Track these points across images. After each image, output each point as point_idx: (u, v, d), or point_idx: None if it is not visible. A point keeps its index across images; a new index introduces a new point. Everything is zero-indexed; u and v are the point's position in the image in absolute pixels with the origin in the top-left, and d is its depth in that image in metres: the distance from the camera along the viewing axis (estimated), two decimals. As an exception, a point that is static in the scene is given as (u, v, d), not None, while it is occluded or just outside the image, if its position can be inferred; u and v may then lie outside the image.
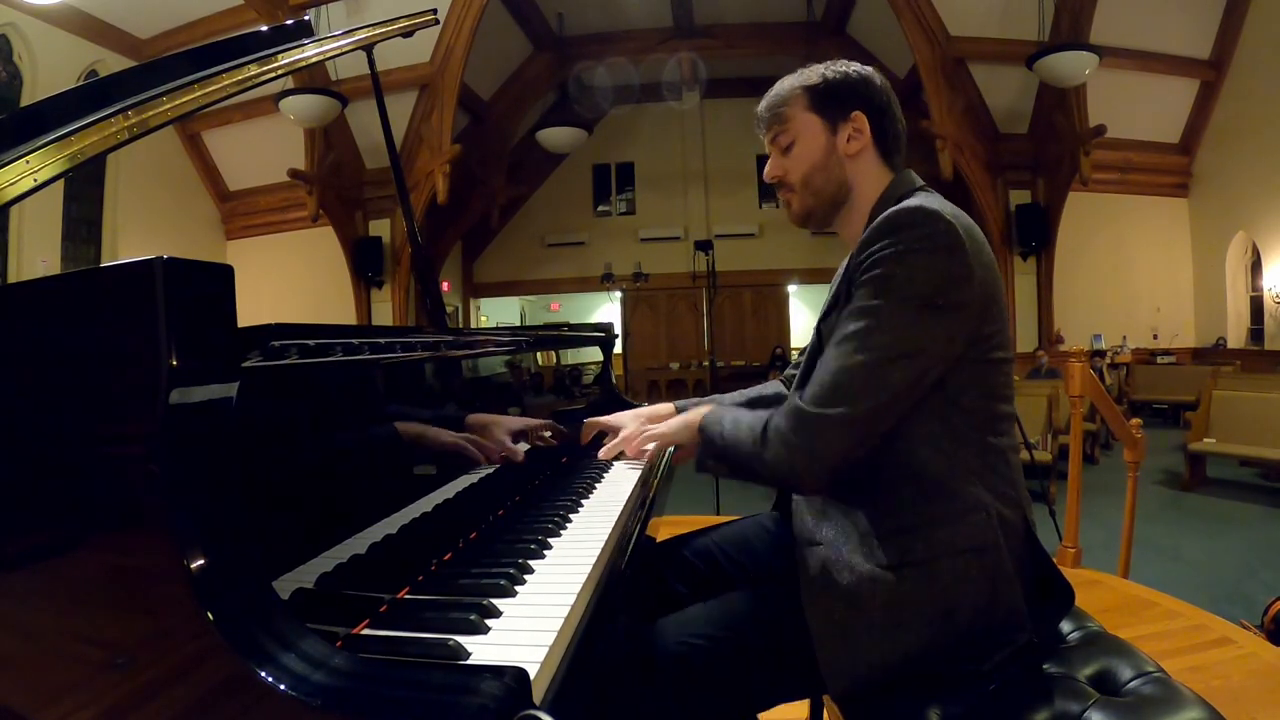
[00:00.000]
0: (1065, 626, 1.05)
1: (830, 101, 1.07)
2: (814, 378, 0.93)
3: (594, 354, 2.04)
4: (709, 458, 1.09)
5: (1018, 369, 5.26)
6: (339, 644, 0.61)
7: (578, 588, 0.80)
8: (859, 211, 1.07)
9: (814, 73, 1.09)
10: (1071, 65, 7.08)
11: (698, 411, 1.16)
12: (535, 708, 0.54)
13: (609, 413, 1.40)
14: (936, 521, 0.91)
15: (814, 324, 1.12)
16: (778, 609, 0.96)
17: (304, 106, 7.42)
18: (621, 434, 1.29)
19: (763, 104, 1.12)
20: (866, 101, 1.06)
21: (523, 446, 1.30)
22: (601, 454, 1.29)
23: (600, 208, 13.72)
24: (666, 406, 1.41)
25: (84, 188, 8.05)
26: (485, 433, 1.15)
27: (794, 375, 1.27)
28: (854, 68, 1.09)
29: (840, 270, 1.10)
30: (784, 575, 1.03)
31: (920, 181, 1.06)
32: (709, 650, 0.93)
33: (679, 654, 0.94)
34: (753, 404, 1.34)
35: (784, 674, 0.97)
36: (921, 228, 0.91)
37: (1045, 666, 0.93)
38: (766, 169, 1.13)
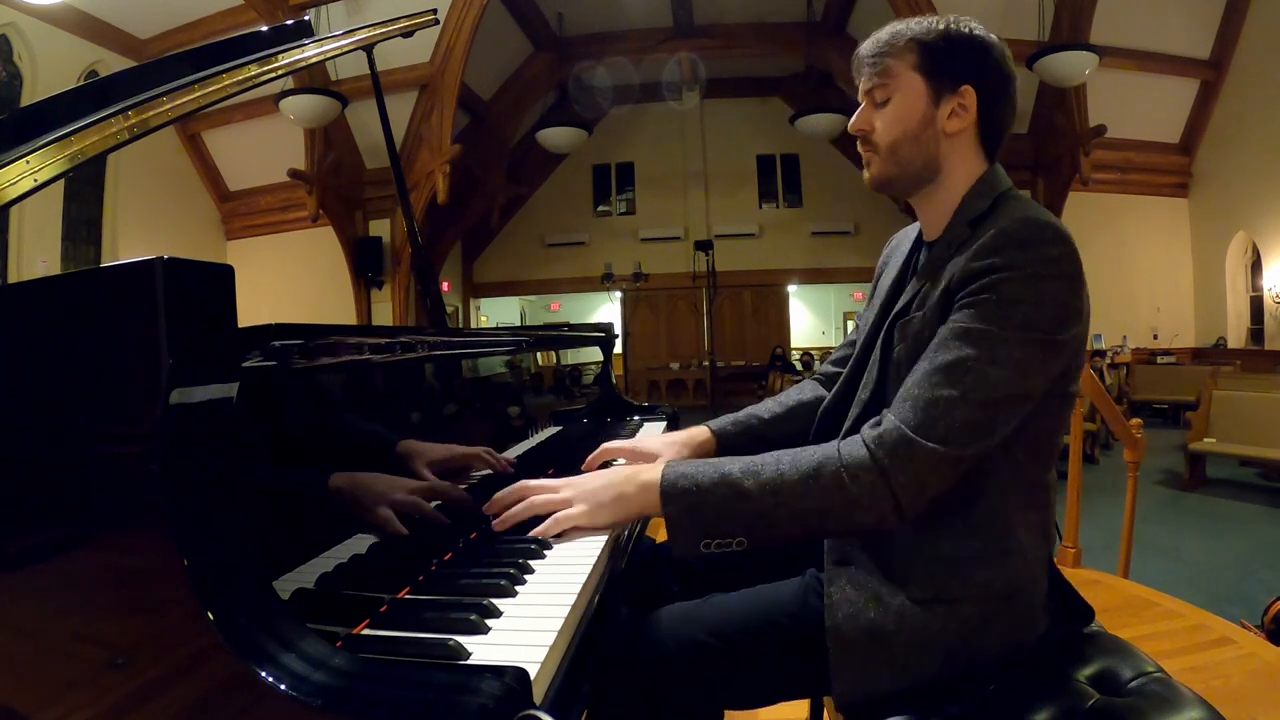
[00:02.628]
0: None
1: (942, 66, 0.94)
2: (916, 399, 0.83)
3: (594, 354, 2.03)
4: (701, 532, 0.85)
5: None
6: (339, 644, 0.61)
7: (578, 588, 0.79)
8: (945, 196, 0.96)
9: (932, 25, 0.95)
10: (1071, 65, 7.08)
11: (647, 471, 0.90)
12: (535, 708, 0.54)
13: (608, 414, 1.37)
14: (976, 559, 0.88)
15: (844, 314, 1.04)
16: (788, 613, 0.95)
17: (304, 106, 7.43)
18: (520, 499, 0.94)
19: (867, 45, 0.99)
20: (981, 76, 0.94)
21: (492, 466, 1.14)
22: (496, 525, 0.95)
23: (600, 208, 13.73)
24: (703, 431, 1.21)
25: (84, 188, 8.05)
26: (430, 452, 0.96)
27: (834, 372, 1.21)
28: (978, 30, 0.95)
29: (915, 257, 1.04)
30: (787, 576, 1.02)
31: (1010, 182, 0.97)
32: (714, 649, 0.93)
33: (684, 649, 0.93)
34: (793, 413, 1.25)
35: (789, 676, 0.97)
36: (1052, 248, 0.83)
37: (1045, 667, 0.93)
38: (854, 119, 0.99)
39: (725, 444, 1.22)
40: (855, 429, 0.96)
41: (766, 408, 1.28)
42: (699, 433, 1.22)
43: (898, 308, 0.96)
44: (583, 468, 1.16)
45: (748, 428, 1.24)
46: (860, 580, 0.91)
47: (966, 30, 0.95)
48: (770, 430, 1.25)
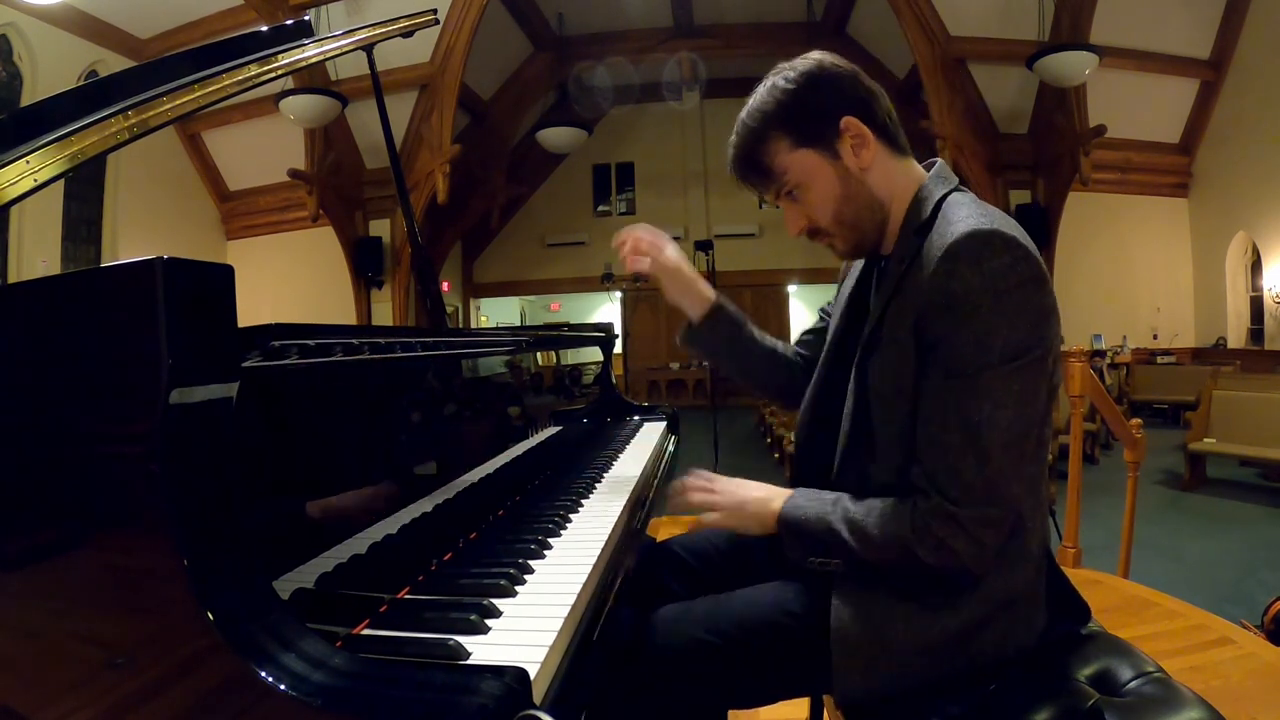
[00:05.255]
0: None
1: (809, 124, 0.92)
2: (948, 469, 0.83)
3: (594, 354, 2.04)
4: (808, 553, 0.94)
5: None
6: (339, 644, 0.61)
7: (578, 588, 0.80)
8: (895, 217, 0.95)
9: (770, 100, 0.93)
10: (1071, 65, 7.07)
11: (776, 502, 0.98)
12: (535, 708, 0.54)
13: (608, 414, 1.36)
14: (989, 570, 0.87)
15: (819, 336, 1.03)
16: (787, 612, 0.95)
17: (304, 106, 7.41)
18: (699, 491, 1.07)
19: (739, 164, 0.97)
20: (843, 100, 0.92)
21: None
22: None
23: (600, 208, 13.72)
24: (710, 296, 1.20)
25: (84, 188, 8.04)
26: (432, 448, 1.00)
27: (803, 353, 1.22)
28: (800, 69, 0.93)
29: (874, 271, 1.02)
30: (786, 578, 1.02)
31: (954, 178, 0.95)
32: (715, 649, 0.92)
33: (685, 648, 0.93)
34: (773, 350, 1.24)
35: (789, 675, 0.96)
36: (1003, 256, 0.81)
37: (1045, 666, 0.93)
38: (789, 224, 0.98)
39: (714, 314, 1.20)
40: (848, 464, 0.96)
41: (758, 331, 1.26)
42: (707, 292, 1.21)
43: (865, 337, 0.94)
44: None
45: (739, 322, 1.23)
46: (867, 592, 0.90)
47: (793, 76, 0.93)
48: (750, 344, 1.23)
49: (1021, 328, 0.82)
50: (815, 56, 0.94)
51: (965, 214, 0.86)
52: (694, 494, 1.05)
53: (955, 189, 0.93)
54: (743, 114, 0.97)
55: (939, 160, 0.98)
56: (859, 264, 1.10)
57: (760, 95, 0.95)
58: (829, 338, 1.12)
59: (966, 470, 0.82)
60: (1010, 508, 0.85)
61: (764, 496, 1.01)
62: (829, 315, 1.19)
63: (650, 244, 1.19)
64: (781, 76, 0.94)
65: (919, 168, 0.98)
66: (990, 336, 0.81)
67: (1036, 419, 0.85)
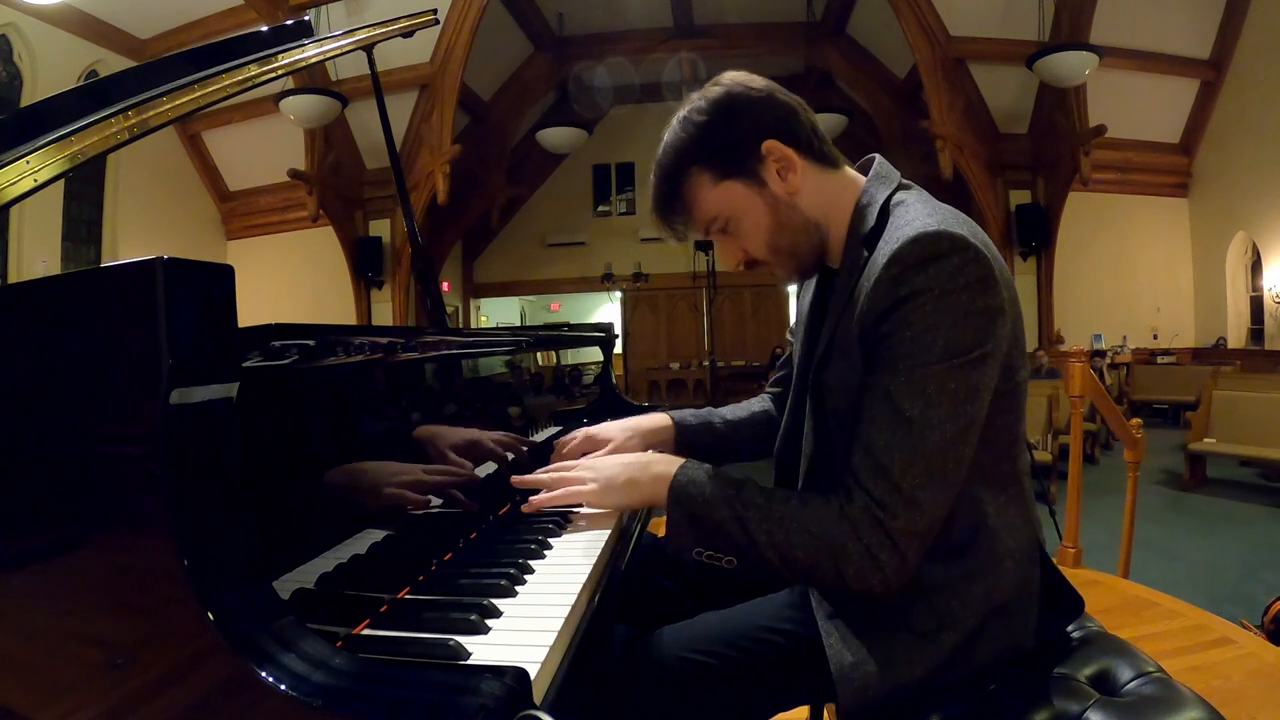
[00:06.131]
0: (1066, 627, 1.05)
1: (730, 155, 0.87)
2: (875, 468, 0.79)
3: (594, 354, 2.04)
4: (697, 543, 0.86)
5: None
6: (339, 644, 0.61)
7: (578, 588, 0.80)
8: (837, 232, 0.92)
9: (684, 135, 0.89)
10: (1071, 65, 7.08)
11: (662, 464, 0.91)
12: (535, 708, 0.54)
13: (609, 414, 1.35)
14: (970, 577, 0.85)
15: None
16: (781, 628, 0.93)
17: (304, 106, 7.42)
18: (543, 472, 1.02)
19: (662, 207, 0.92)
20: (761, 123, 0.87)
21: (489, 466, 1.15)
22: (524, 508, 1.01)
23: (600, 208, 13.71)
24: (662, 419, 1.21)
25: (84, 188, 8.04)
26: (436, 444, 1.01)
27: (780, 392, 1.21)
28: (711, 97, 0.89)
29: (827, 288, 0.98)
30: (779, 587, 1.01)
31: (895, 175, 0.91)
32: (713, 667, 0.90)
33: (683, 668, 0.90)
34: (755, 419, 1.25)
35: (786, 689, 0.95)
36: (951, 259, 0.78)
37: (1044, 666, 0.93)
38: (724, 259, 0.95)
39: (683, 435, 1.22)
40: (810, 486, 0.94)
41: (729, 410, 1.27)
42: (659, 419, 1.21)
43: (819, 354, 0.91)
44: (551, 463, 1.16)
45: (707, 424, 1.24)
46: (857, 630, 0.87)
47: (705, 107, 0.88)
48: (731, 432, 1.24)
49: (965, 328, 0.78)
50: (725, 82, 0.90)
51: (912, 216, 0.83)
52: (549, 477, 0.99)
53: (899, 187, 0.90)
54: (658, 154, 0.92)
55: (876, 157, 0.94)
56: (812, 283, 1.07)
57: (674, 131, 0.90)
58: (795, 364, 1.09)
59: (893, 467, 0.78)
60: (935, 516, 0.80)
61: (642, 461, 0.93)
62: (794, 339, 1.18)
63: (590, 444, 1.15)
64: (693, 109, 0.89)
65: (853, 174, 0.95)
66: (931, 334, 0.78)
67: (974, 420, 0.81)
